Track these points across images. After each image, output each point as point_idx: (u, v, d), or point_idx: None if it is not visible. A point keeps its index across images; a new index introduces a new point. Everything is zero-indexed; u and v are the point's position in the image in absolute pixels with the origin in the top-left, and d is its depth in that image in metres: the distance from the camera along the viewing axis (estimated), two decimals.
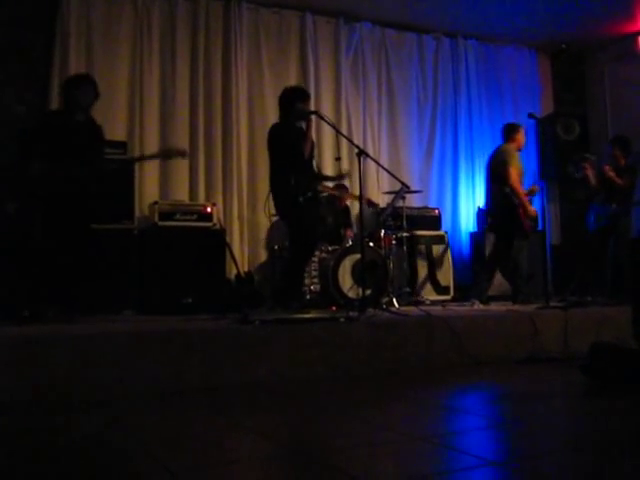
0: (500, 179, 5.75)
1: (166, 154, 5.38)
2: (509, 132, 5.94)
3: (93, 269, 4.71)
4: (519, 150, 5.89)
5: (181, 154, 5.05)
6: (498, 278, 6.22)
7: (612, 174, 6.00)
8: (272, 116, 6.71)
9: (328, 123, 5.02)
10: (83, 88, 4.61)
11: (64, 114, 4.68)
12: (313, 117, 4.85)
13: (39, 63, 5.93)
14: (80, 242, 4.48)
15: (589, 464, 2.02)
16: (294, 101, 4.83)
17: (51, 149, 4.47)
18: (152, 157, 5.52)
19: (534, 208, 5.85)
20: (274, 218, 5.16)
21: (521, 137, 5.91)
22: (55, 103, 5.81)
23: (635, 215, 6.28)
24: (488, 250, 6.94)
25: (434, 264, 6.70)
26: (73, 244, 4.43)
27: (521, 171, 5.77)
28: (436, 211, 7.10)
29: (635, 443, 2.29)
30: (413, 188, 6.27)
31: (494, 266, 6.00)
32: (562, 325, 4.47)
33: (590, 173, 6.10)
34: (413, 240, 6.57)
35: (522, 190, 5.69)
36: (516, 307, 5.43)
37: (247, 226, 6.55)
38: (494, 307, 5.67)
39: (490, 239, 6.98)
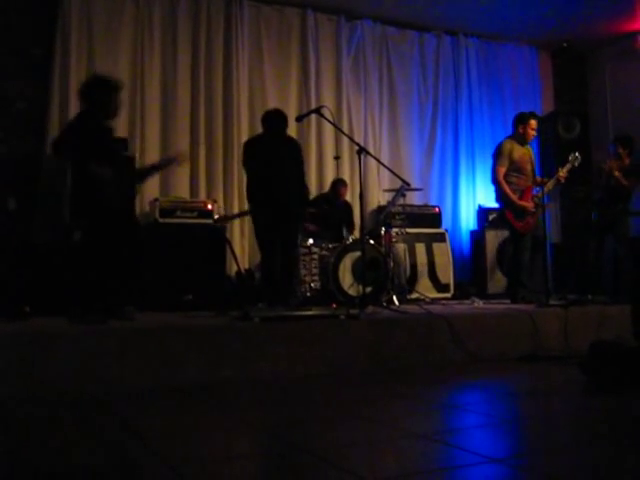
0: (492, 176, 5.67)
1: (165, 163, 4.85)
2: (513, 123, 5.72)
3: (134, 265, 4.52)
4: (526, 142, 5.63)
5: (178, 160, 4.77)
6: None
7: (619, 174, 5.98)
8: None
9: (329, 121, 5.00)
10: (118, 94, 4.28)
11: (95, 117, 4.22)
12: (312, 116, 4.86)
13: (40, 59, 5.91)
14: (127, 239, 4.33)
15: (588, 461, 2.03)
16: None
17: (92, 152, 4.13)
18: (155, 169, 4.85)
19: (526, 203, 5.48)
20: None
21: (525, 129, 5.59)
22: (56, 99, 5.81)
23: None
24: (488, 248, 6.98)
25: (434, 262, 6.71)
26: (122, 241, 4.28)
27: (522, 164, 5.51)
28: (436, 209, 7.10)
29: (634, 441, 2.30)
30: (414, 186, 6.27)
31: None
32: (562, 323, 4.48)
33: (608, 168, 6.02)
34: (413, 238, 6.58)
35: (506, 187, 5.42)
36: (516, 305, 5.43)
37: (247, 223, 6.54)
38: (494, 305, 5.67)
39: (490, 237, 7.00)
